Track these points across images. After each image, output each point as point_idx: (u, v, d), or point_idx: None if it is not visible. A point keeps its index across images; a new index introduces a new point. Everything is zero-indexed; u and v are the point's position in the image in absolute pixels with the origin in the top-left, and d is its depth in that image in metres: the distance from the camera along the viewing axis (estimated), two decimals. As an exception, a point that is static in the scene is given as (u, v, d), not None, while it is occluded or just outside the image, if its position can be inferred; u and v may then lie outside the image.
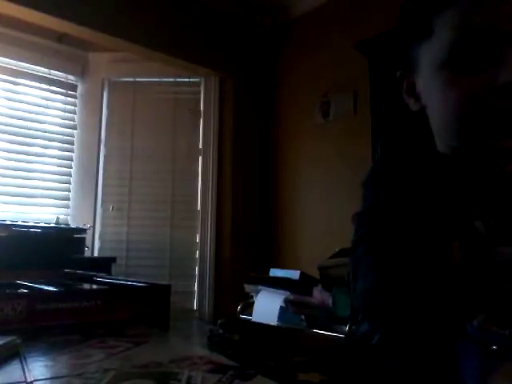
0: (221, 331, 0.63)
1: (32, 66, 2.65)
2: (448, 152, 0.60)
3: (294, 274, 1.99)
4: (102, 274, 1.13)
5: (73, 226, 2.47)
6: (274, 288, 1.98)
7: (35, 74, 2.67)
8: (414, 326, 0.45)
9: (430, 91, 0.57)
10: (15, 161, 2.57)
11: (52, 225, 2.28)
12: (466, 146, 0.56)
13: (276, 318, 1.94)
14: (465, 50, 0.50)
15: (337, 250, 1.84)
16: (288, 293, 1.89)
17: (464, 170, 0.58)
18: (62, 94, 2.76)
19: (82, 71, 2.81)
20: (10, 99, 2.59)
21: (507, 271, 0.47)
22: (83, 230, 2.30)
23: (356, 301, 0.57)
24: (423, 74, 0.58)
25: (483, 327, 0.40)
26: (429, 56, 0.55)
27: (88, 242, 2.45)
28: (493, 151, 0.54)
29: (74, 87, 2.81)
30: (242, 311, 2.33)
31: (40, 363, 0.52)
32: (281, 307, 1.88)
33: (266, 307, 2.02)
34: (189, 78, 2.89)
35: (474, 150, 0.56)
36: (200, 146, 2.85)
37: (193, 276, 2.76)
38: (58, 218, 2.44)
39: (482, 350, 0.39)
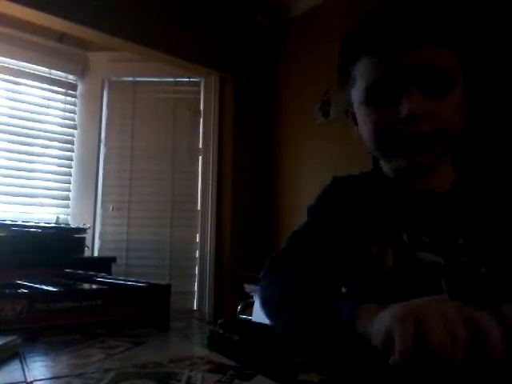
0: (221, 331, 0.63)
1: (33, 66, 2.66)
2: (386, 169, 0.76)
3: (294, 274, 1.98)
4: (102, 274, 1.13)
5: (73, 225, 2.47)
6: (274, 288, 1.98)
7: (36, 74, 2.68)
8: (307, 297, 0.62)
9: (359, 123, 0.72)
10: (16, 161, 2.57)
11: (52, 225, 2.28)
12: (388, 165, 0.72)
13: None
14: (374, 92, 0.66)
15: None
16: (288, 293, 1.88)
17: (391, 187, 0.73)
18: (62, 93, 2.77)
19: (83, 71, 2.81)
20: (11, 99, 2.59)
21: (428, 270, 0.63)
22: (83, 230, 2.30)
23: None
24: (355, 109, 0.73)
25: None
26: (355, 96, 0.71)
27: (88, 241, 2.45)
28: (406, 168, 0.68)
29: (74, 87, 2.81)
30: (242, 311, 2.33)
31: (40, 363, 0.52)
32: (281, 307, 1.87)
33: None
34: (189, 77, 2.89)
35: (392, 168, 0.72)
36: (200, 146, 2.85)
37: (193, 276, 2.76)
38: (58, 218, 2.44)
39: (351, 303, 0.54)
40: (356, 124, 0.76)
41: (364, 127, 0.69)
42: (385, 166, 0.77)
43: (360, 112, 0.70)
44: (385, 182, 0.75)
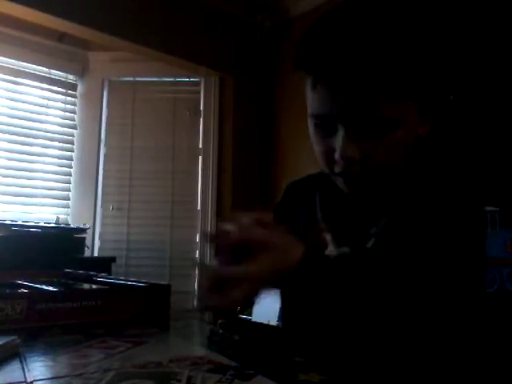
0: (221, 331, 0.63)
1: (32, 66, 2.66)
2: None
3: (294, 274, 1.98)
4: (102, 274, 1.13)
5: (73, 225, 2.47)
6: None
7: (36, 74, 2.68)
8: None
9: (309, 133, 0.69)
10: (16, 161, 2.57)
11: (52, 225, 2.27)
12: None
13: (276, 318, 1.94)
14: (317, 121, 0.64)
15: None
16: (288, 293, 1.88)
17: (329, 191, 0.76)
18: (62, 93, 2.76)
19: (82, 71, 2.81)
20: (10, 99, 2.59)
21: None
22: (83, 230, 2.30)
23: None
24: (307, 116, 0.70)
25: None
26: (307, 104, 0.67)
27: (88, 241, 2.45)
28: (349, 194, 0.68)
29: (74, 87, 2.81)
30: (242, 311, 2.33)
31: (40, 363, 0.52)
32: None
33: (266, 307, 2.02)
34: (189, 77, 2.89)
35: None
36: (200, 146, 2.85)
37: (193, 276, 2.76)
38: (57, 218, 2.44)
39: None
40: None
41: (313, 143, 0.68)
42: None
43: (309, 125, 0.66)
44: (326, 185, 0.76)
